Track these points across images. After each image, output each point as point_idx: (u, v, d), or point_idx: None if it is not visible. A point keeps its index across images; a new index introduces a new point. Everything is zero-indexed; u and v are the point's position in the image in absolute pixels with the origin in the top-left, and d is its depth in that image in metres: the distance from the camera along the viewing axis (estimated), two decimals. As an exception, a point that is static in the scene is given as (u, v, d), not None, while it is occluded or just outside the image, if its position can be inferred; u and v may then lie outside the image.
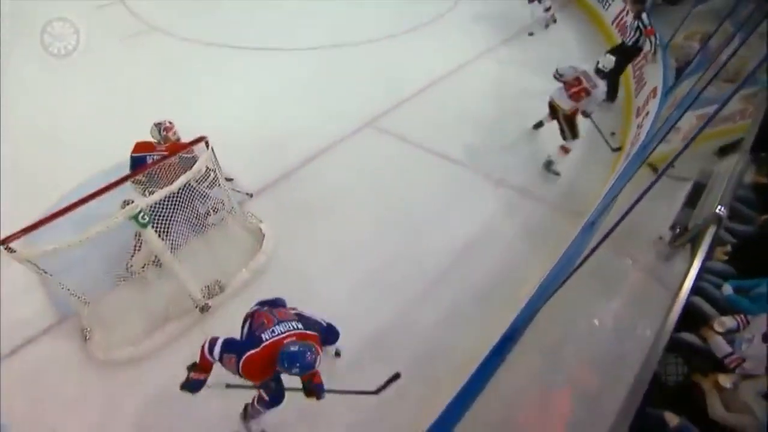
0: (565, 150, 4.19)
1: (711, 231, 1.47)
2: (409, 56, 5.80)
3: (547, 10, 6.49)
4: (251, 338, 2.01)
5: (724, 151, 2.72)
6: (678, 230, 1.87)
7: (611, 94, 4.91)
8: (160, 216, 2.76)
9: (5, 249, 2.29)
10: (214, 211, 3.36)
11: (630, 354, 2.14)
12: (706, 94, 2.80)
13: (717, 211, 1.54)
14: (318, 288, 3.22)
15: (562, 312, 2.25)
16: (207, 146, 2.83)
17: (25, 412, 2.68)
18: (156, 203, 2.66)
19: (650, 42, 4.76)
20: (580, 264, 1.73)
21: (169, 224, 2.85)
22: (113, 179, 2.61)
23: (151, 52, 5.73)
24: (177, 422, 2.57)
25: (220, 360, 1.96)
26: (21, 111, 4.84)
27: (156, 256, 2.83)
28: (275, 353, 1.87)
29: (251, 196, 3.86)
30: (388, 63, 5.71)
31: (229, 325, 2.40)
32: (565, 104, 3.99)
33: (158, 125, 3.16)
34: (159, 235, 2.67)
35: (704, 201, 1.89)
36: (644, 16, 4.75)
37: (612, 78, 4.63)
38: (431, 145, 4.51)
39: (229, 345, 1.98)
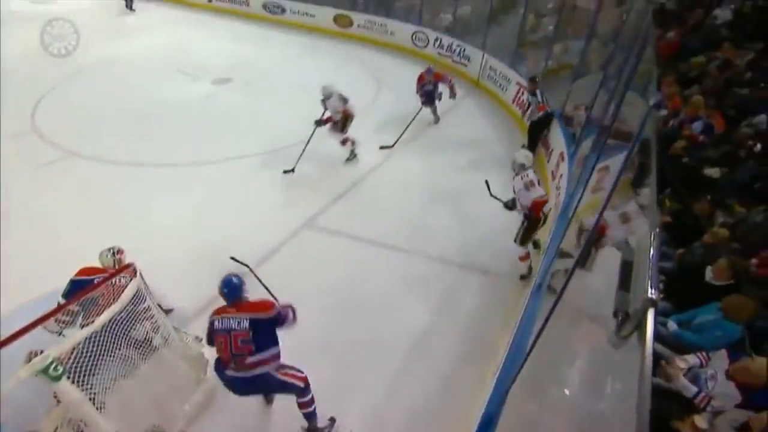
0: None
1: (651, 313, 1.63)
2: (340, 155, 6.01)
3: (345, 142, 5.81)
4: None
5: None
6: (620, 317, 2.04)
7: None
8: (86, 358, 2.35)
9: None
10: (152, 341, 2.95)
11: (610, 412, 2.12)
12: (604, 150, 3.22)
13: (651, 296, 1.73)
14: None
15: (533, 384, 2.20)
16: (135, 274, 2.61)
17: None
18: (79, 344, 2.30)
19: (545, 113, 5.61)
20: (537, 337, 1.75)
21: (95, 366, 2.44)
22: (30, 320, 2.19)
23: (71, 178, 5.41)
24: None
25: None
26: None
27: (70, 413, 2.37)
28: None
29: (171, 311, 3.46)
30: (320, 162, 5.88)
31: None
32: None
33: (110, 249, 3.03)
34: (79, 383, 2.27)
35: (635, 284, 2.09)
36: (538, 92, 5.61)
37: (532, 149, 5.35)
38: (370, 235, 4.59)
39: None
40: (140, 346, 2.76)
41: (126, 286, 2.59)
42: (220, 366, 2.56)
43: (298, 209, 4.96)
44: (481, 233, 4.65)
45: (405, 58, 9.65)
